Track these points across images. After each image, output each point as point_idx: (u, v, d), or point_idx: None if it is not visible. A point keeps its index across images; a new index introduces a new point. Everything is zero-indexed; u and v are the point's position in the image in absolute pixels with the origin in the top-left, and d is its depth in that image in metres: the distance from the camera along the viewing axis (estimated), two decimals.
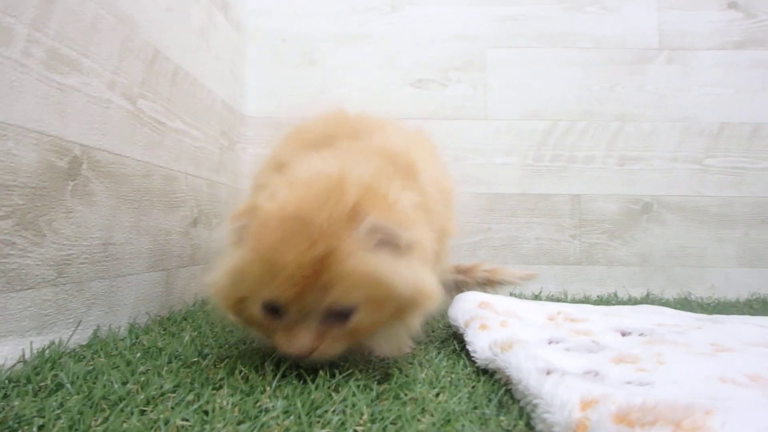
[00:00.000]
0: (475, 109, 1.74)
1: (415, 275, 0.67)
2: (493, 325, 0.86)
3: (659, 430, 0.36)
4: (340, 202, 0.65)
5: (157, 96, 1.07)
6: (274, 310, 0.67)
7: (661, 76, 1.74)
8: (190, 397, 0.60)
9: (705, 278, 1.69)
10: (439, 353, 0.87)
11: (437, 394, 0.64)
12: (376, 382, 0.67)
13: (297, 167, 0.77)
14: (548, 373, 0.54)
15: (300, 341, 0.66)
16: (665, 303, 1.55)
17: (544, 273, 1.71)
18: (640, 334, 0.84)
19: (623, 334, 0.85)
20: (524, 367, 0.59)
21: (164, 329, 0.99)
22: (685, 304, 1.54)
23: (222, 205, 1.45)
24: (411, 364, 0.79)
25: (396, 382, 0.68)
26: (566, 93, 1.74)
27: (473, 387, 0.68)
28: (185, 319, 1.08)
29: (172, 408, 0.58)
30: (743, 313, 1.41)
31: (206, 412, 0.56)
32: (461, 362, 0.81)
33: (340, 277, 0.63)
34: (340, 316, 0.66)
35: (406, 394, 0.63)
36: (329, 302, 0.64)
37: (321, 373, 0.68)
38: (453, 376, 0.73)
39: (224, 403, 0.59)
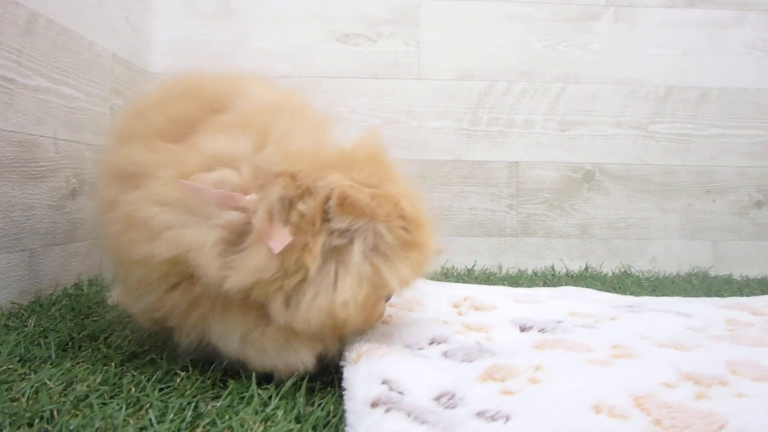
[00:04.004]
0: (407, 68, 1.60)
1: None
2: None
3: None
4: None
5: (0, 47, 0.91)
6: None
7: (607, 34, 1.61)
8: None
9: (646, 250, 1.61)
10: None
11: (266, 419, 0.52)
12: (200, 401, 0.55)
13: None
14: (373, 405, 0.43)
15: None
16: (603, 277, 1.47)
17: (479, 245, 1.60)
18: (540, 330, 0.73)
19: (522, 329, 0.75)
20: (357, 391, 0.47)
21: (6, 324, 0.84)
22: (624, 278, 1.46)
23: None
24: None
25: (228, 399, 0.56)
26: (506, 51, 1.60)
27: (319, 406, 0.56)
28: (45, 306, 0.94)
29: None
30: (683, 289, 1.33)
31: None
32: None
33: None
34: None
35: (229, 417, 0.52)
36: None
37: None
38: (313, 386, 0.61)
39: None
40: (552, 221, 1.61)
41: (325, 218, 0.58)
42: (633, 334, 0.71)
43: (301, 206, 0.58)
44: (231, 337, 0.61)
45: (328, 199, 0.58)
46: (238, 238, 0.58)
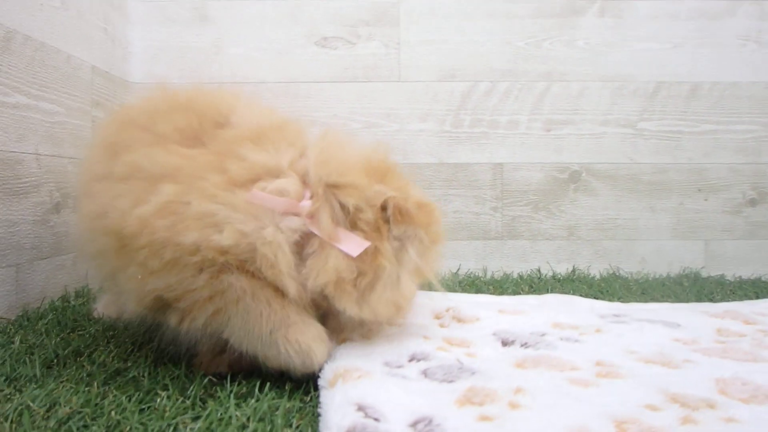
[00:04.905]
0: (387, 70, 1.56)
1: None
2: (356, 337, 0.71)
3: None
4: None
5: None
6: None
7: (592, 29, 1.57)
8: None
9: (635, 251, 1.57)
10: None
11: None
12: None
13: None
14: None
15: None
16: (591, 280, 1.43)
17: (463, 249, 1.56)
18: (523, 345, 0.69)
19: (504, 344, 0.70)
20: (332, 420, 0.44)
21: None
22: (612, 280, 1.42)
23: None
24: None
25: (206, 421, 0.54)
26: (488, 49, 1.56)
27: (297, 428, 0.52)
28: (32, 321, 0.94)
29: None
30: (673, 292, 1.29)
31: None
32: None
33: None
34: None
35: None
36: None
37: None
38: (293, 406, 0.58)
39: None
40: (538, 223, 1.57)
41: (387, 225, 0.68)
42: (618, 349, 0.67)
43: (364, 215, 0.67)
44: (259, 332, 0.63)
45: (384, 208, 0.68)
46: (298, 243, 0.66)
